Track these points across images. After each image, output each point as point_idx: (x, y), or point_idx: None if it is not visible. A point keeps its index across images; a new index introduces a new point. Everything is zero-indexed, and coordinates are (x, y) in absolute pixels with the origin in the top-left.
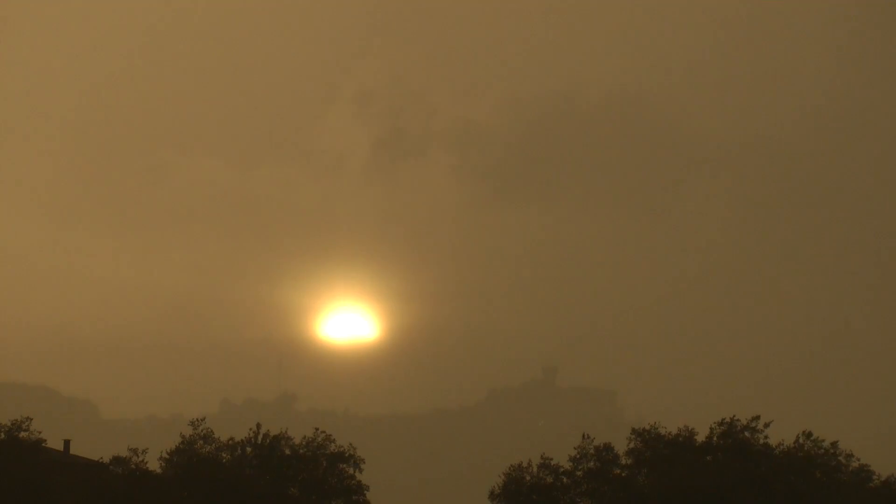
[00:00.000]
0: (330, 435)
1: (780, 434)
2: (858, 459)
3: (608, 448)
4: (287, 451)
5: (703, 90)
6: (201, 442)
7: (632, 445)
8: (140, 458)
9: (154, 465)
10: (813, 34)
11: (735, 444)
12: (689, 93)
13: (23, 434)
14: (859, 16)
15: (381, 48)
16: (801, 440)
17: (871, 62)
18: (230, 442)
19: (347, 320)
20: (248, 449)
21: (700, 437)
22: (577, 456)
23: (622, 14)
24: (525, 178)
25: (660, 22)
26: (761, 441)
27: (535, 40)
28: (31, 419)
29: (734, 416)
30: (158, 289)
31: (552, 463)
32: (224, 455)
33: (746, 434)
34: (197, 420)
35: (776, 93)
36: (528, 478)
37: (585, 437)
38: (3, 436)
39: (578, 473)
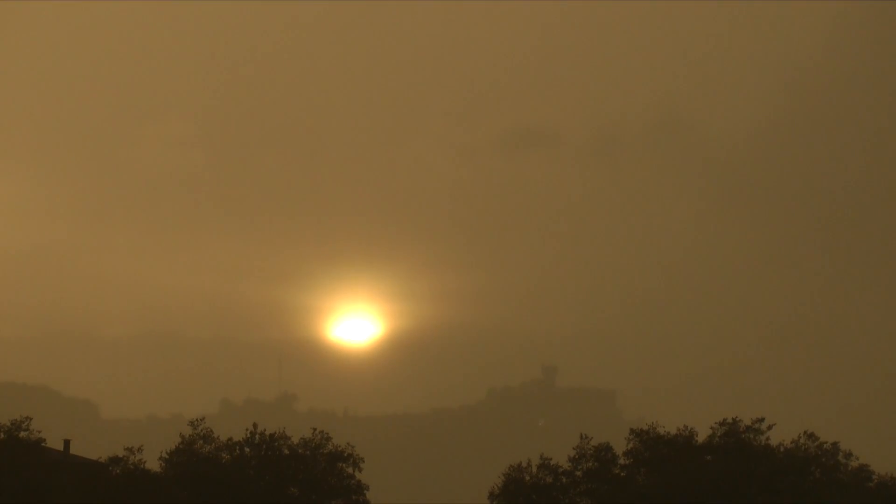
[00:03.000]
0: (326, 433)
1: (781, 434)
2: (857, 458)
3: (607, 448)
4: (286, 451)
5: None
6: (201, 442)
7: (630, 445)
8: (137, 458)
9: (154, 464)
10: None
11: (735, 444)
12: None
13: (23, 434)
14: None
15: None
16: (801, 441)
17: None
18: (229, 442)
19: (347, 320)
20: (247, 449)
21: (700, 438)
22: (577, 456)
23: None
24: (521, 180)
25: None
26: (763, 442)
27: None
28: (31, 419)
29: (736, 416)
30: (162, 288)
31: (552, 463)
32: (224, 455)
33: (749, 435)
34: (197, 420)
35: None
36: (527, 478)
37: (583, 437)
38: (3, 436)
39: (578, 473)
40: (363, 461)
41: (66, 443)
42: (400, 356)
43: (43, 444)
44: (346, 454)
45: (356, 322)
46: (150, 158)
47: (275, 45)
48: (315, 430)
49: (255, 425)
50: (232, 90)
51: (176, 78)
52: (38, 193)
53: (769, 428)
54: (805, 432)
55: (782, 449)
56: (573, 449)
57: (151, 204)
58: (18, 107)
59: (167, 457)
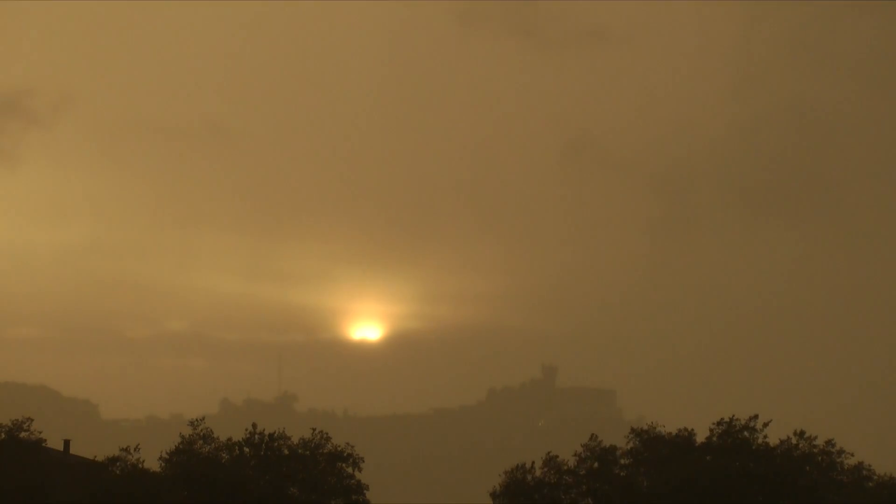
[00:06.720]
0: (326, 433)
1: (779, 433)
2: (853, 455)
3: (611, 449)
4: (286, 452)
5: None
6: (201, 442)
7: (630, 445)
8: (135, 457)
9: (153, 464)
10: None
11: (734, 443)
12: None
13: (23, 434)
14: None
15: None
16: (793, 440)
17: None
18: (229, 442)
19: (349, 322)
20: (247, 449)
21: (699, 437)
22: (584, 455)
23: None
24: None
25: None
26: (760, 440)
27: None
28: (32, 419)
29: (734, 416)
30: (185, 291)
31: (556, 460)
32: (223, 455)
33: (746, 434)
34: (196, 420)
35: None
36: (529, 478)
37: (593, 437)
38: (3, 436)
39: (581, 473)
40: (363, 461)
41: (66, 443)
42: (400, 356)
43: (43, 444)
44: (346, 454)
45: (356, 323)
46: (170, 161)
47: (279, 49)
48: (315, 430)
49: (254, 425)
50: (246, 92)
51: (187, 81)
52: (63, 194)
53: (765, 425)
54: (796, 431)
55: (781, 447)
56: (581, 446)
57: (164, 204)
58: (36, 105)
59: (167, 457)
